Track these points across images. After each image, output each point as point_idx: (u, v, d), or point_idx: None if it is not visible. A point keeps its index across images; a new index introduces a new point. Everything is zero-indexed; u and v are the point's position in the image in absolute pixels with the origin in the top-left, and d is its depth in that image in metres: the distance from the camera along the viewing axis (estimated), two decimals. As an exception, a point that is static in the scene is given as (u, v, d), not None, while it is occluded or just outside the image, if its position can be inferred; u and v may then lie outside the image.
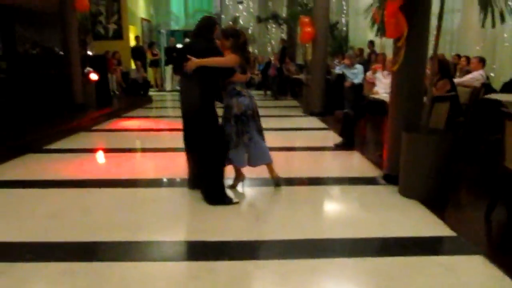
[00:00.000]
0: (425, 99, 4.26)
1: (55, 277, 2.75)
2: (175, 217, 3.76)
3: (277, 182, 4.45)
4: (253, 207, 4.04)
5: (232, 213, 3.78)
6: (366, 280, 2.71)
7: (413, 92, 4.32)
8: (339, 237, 3.29)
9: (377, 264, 2.88)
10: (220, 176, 4.03)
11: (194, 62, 3.86)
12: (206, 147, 3.95)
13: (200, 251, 3.11)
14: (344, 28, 16.17)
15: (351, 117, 6.10)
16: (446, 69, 5.62)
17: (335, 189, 4.59)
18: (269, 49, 17.02)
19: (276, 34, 16.70)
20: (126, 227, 3.47)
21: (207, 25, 4.03)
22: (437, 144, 3.93)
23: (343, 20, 16.87)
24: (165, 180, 4.84)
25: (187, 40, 14.69)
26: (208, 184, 3.98)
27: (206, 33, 4.00)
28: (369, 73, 6.99)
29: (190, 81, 3.92)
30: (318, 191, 4.50)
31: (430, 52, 4.46)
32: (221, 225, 3.50)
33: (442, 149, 3.93)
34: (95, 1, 12.71)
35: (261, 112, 4.45)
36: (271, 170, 4.44)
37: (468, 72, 6.87)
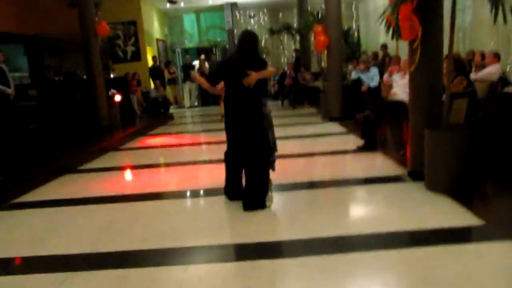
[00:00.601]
0: (444, 96, 4.42)
1: (111, 282, 2.98)
2: (216, 223, 3.97)
3: None
4: (286, 209, 4.23)
5: (269, 216, 3.99)
6: (402, 269, 2.88)
7: (431, 90, 4.49)
8: (373, 232, 3.45)
9: (411, 255, 3.04)
10: (268, 182, 4.26)
11: (255, 75, 4.05)
12: (260, 155, 4.14)
13: (244, 252, 3.33)
14: (356, 33, 16.39)
15: (371, 120, 6.27)
16: (462, 66, 5.76)
17: (363, 189, 4.77)
18: (283, 59, 17.30)
19: (288, 44, 16.99)
20: (172, 235, 3.71)
21: (252, 39, 4.22)
22: (459, 139, 4.08)
23: (354, 26, 17.10)
24: (199, 190, 5.06)
25: (202, 56, 15.07)
26: (258, 190, 4.15)
27: (251, 47, 4.19)
28: (385, 76, 7.16)
29: (244, 94, 4.08)
30: (346, 192, 4.68)
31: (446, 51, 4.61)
32: (260, 228, 3.71)
33: (464, 143, 4.08)
34: (112, 26, 13.16)
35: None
36: None
37: (484, 67, 6.99)
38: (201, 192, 5.01)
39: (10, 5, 9.22)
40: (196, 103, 16.00)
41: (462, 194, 4.02)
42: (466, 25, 10.21)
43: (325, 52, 9.72)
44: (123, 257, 3.38)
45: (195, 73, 4.62)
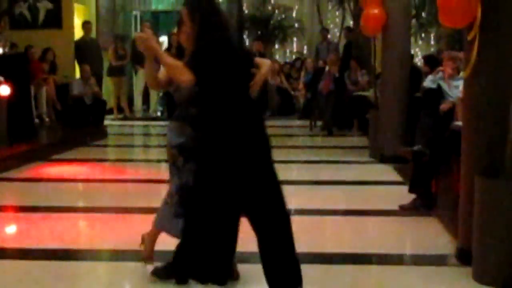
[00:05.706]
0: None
1: None
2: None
3: None
4: None
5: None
6: None
7: (495, 114, 5.07)
8: None
9: None
10: None
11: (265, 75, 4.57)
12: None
13: None
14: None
15: (425, 159, 6.88)
16: None
17: (388, 270, 5.56)
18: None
19: (332, 19, 17.71)
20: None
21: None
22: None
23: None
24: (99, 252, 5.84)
25: (176, 30, 15.95)
26: None
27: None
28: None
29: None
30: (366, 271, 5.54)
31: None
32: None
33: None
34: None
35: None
36: None
37: None
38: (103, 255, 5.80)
39: None
40: (160, 113, 16.51)
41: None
42: None
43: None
44: None
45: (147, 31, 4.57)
